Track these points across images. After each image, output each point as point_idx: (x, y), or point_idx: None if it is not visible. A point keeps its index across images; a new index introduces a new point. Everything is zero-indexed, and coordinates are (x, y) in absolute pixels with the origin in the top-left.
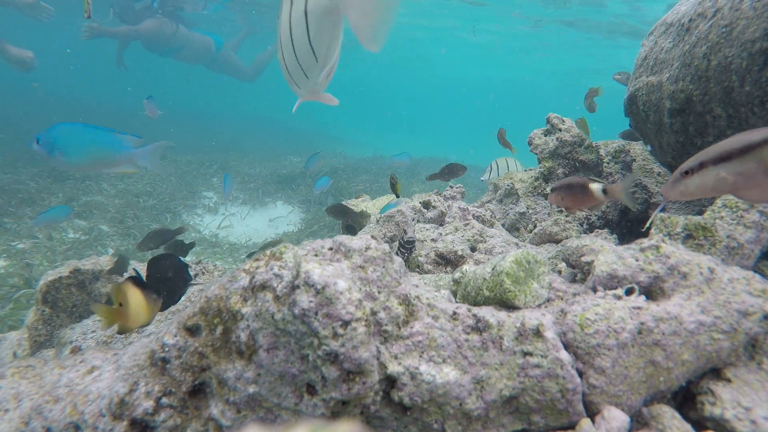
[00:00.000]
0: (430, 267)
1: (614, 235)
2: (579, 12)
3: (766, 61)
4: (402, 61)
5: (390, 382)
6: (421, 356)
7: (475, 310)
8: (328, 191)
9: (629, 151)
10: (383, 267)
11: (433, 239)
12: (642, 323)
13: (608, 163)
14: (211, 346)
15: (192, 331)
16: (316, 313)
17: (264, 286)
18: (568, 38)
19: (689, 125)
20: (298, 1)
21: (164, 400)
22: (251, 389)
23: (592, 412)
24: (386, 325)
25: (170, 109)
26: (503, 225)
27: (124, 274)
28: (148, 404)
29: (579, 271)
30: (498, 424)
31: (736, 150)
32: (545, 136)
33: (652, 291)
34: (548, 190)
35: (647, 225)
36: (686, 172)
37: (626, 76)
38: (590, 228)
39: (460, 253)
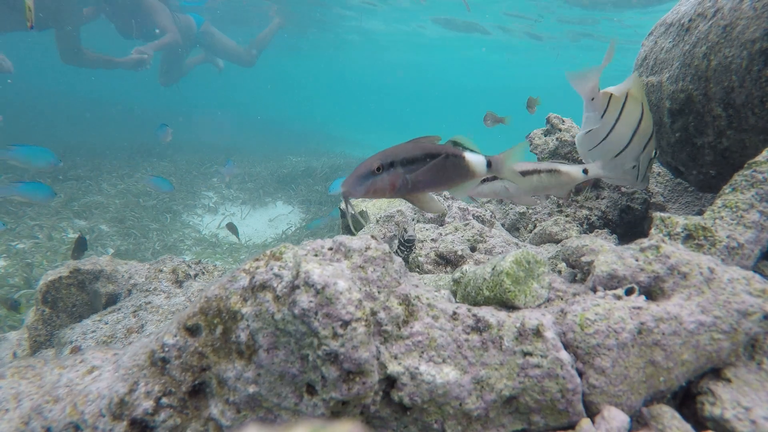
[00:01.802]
0: (430, 267)
1: (614, 235)
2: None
3: (766, 61)
4: (402, 61)
5: (390, 382)
6: (421, 356)
7: (475, 310)
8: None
9: None
10: (383, 267)
11: (433, 239)
12: (642, 323)
13: None
14: (211, 346)
15: (192, 330)
16: (316, 313)
17: (264, 286)
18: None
19: (689, 125)
20: None
21: (164, 400)
22: (251, 389)
23: (592, 412)
24: (386, 325)
25: (169, 109)
26: (503, 225)
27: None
28: (148, 404)
29: (579, 271)
30: (498, 424)
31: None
32: (545, 136)
33: (652, 291)
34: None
35: None
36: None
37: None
38: (590, 228)
39: (460, 253)
